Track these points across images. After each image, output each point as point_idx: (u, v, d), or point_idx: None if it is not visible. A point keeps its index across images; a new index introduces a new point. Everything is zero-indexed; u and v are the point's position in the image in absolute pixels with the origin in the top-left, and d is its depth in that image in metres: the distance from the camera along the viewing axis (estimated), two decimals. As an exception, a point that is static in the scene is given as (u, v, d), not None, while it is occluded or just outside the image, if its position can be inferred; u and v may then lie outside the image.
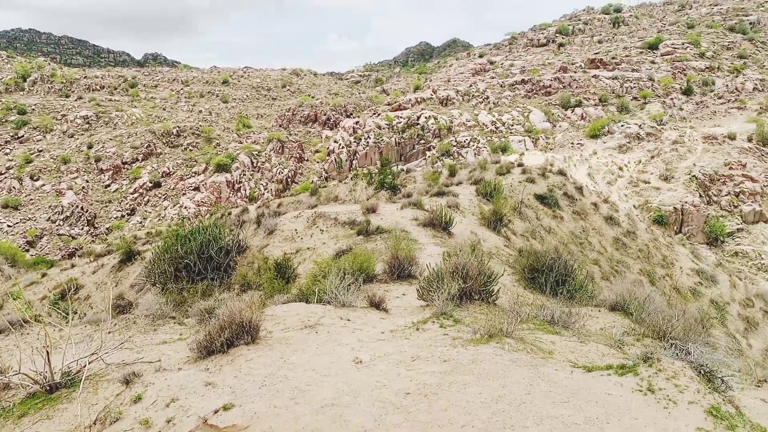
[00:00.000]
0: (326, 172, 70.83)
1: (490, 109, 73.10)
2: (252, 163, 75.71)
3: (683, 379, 5.23)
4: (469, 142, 64.04)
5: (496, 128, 67.43)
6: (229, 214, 33.19)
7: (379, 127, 69.89)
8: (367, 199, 32.21)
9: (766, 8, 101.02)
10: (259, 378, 5.97)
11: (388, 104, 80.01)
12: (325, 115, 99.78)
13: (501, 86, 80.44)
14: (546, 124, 68.03)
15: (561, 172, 36.55)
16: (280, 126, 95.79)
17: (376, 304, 9.53)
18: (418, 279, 11.73)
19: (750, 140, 53.30)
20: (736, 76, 73.78)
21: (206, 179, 70.46)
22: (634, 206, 45.41)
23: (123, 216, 66.02)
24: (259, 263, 18.87)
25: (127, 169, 72.66)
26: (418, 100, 77.45)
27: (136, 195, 68.84)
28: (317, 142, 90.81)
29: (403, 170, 56.79)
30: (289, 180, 77.27)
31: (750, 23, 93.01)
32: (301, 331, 7.67)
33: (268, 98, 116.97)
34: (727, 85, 71.51)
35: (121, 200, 68.40)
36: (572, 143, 60.12)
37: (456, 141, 64.73)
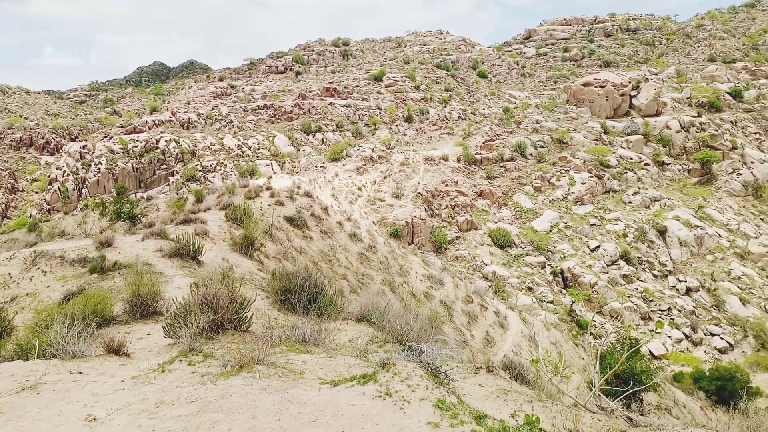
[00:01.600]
0: (48, 204, 61.40)
1: (234, 133, 72.46)
2: (-59, 197, 61.55)
3: (415, 379, 5.89)
4: (215, 167, 62.37)
5: (243, 152, 67.11)
6: None
7: (113, 152, 63.53)
8: (101, 232, 28.85)
9: (462, 50, 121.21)
10: (-41, 464, 4.85)
11: (122, 126, 73.29)
12: (43, 138, 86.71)
13: (244, 110, 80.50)
14: (291, 148, 70.19)
15: (308, 194, 38.07)
16: (-20, 151, 79.87)
17: (115, 350, 8.58)
18: (165, 315, 10.94)
19: (459, 161, 62.94)
20: (445, 107, 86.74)
21: None
22: (373, 222, 49.55)
23: None
24: (-44, 320, 15.37)
25: None
26: (157, 122, 72.71)
27: None
28: (35, 169, 78.20)
29: (143, 198, 52.45)
30: (-4, 215, 64.79)
31: (451, 62, 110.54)
32: (17, 394, 6.47)
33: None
34: (438, 114, 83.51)
35: None
36: (316, 166, 63.13)
37: (202, 165, 62.43)
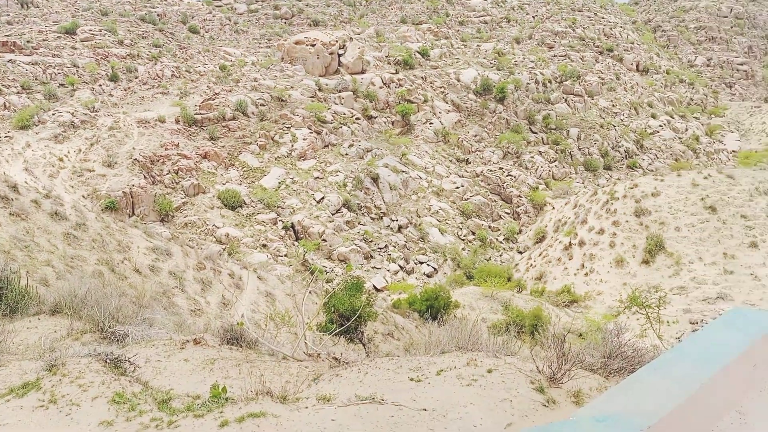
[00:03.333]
0: None
1: None
2: None
3: (89, 376, 5.35)
4: None
5: None
6: None
7: None
8: None
9: (168, 3, 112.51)
10: None
11: None
12: None
13: None
14: (-42, 116, 56.95)
15: (-14, 172, 31.67)
16: None
17: None
18: None
19: (178, 122, 59.40)
20: (155, 64, 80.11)
21: None
22: (83, 196, 44.09)
23: None
24: None
25: None
26: None
27: None
28: None
29: None
30: None
31: (158, 15, 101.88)
32: None
33: None
34: (149, 72, 76.82)
35: None
36: (0, 137, 52.74)
37: None
